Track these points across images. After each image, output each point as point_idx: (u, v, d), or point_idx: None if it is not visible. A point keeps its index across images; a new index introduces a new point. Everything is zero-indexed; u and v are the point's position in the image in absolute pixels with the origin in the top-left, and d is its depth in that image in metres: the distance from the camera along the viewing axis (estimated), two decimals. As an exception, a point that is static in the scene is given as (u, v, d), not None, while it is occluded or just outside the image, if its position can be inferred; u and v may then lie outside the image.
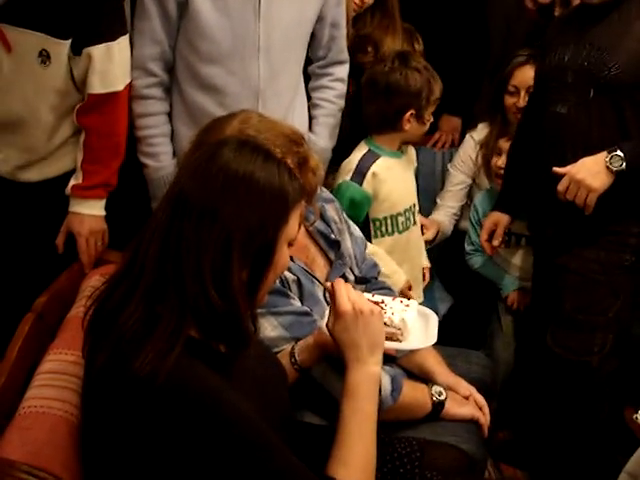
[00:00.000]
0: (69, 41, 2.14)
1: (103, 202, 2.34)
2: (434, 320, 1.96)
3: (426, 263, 3.04)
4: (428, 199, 3.32)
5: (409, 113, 2.71)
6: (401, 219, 2.80)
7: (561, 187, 2.44)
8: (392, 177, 2.77)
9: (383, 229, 2.77)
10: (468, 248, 3.21)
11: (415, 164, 2.98)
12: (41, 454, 1.46)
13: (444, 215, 3.33)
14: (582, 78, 2.44)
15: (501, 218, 2.90)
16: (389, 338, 1.81)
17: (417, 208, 2.91)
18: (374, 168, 2.73)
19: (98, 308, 1.47)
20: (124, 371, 1.33)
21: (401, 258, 2.67)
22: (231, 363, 1.46)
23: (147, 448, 1.33)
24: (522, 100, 3.08)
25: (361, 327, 1.63)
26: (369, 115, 2.79)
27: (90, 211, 2.32)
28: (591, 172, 2.39)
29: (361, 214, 2.72)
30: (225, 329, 1.44)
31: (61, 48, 2.14)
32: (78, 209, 2.31)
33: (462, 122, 3.50)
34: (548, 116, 2.55)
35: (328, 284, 1.74)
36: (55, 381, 1.68)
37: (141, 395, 1.32)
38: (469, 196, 3.34)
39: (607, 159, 2.37)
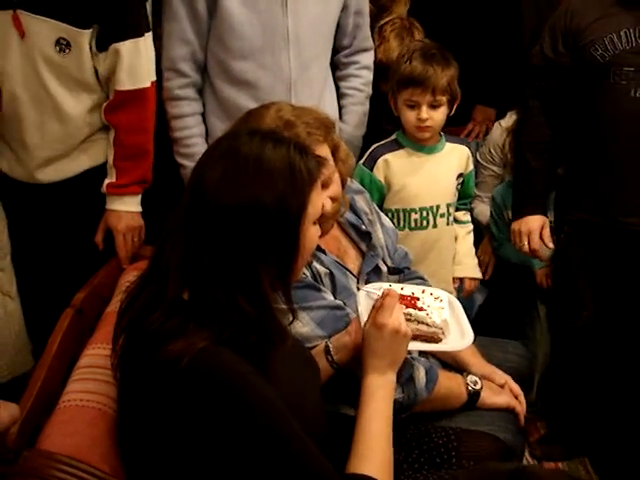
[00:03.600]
0: (90, 31, 2.16)
1: (139, 198, 2.37)
2: (461, 311, 1.95)
3: (467, 273, 2.93)
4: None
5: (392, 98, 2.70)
6: (415, 216, 2.73)
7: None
8: (411, 170, 2.72)
9: (395, 221, 2.69)
10: (495, 244, 3.19)
11: (462, 168, 2.84)
12: (81, 446, 1.49)
13: (482, 204, 3.32)
14: None
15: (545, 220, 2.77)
16: (430, 339, 1.81)
17: (446, 212, 2.78)
18: (388, 156, 2.70)
19: (127, 306, 1.51)
20: (153, 357, 1.37)
21: (412, 257, 2.52)
22: (264, 354, 1.47)
23: (177, 432, 1.36)
24: None
25: (392, 344, 1.68)
26: None
27: (127, 208, 2.35)
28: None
29: (372, 200, 2.63)
30: (260, 330, 1.46)
31: (82, 37, 2.16)
32: (115, 206, 2.34)
33: (497, 113, 3.48)
34: (625, 103, 2.48)
35: (385, 288, 1.77)
36: (94, 375, 1.71)
37: (167, 378, 1.35)
38: None
39: None
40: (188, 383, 1.35)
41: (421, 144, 2.72)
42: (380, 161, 2.71)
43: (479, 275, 2.97)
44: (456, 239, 2.91)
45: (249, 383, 1.39)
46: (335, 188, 1.94)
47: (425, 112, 2.60)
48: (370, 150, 2.75)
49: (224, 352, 1.39)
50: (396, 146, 2.73)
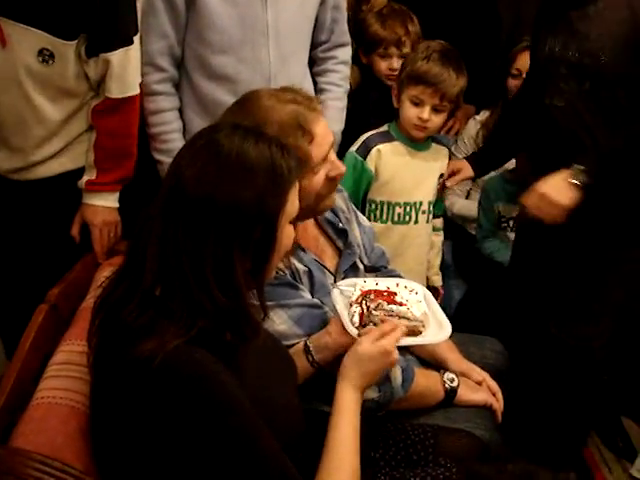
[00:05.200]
0: (75, 42, 2.11)
1: (117, 194, 2.35)
2: (436, 303, 1.96)
3: (436, 283, 2.96)
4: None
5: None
6: (398, 210, 2.73)
7: (528, 201, 2.40)
8: (400, 164, 2.72)
9: (377, 213, 2.71)
10: (479, 235, 3.22)
11: (444, 169, 2.84)
12: (54, 444, 1.47)
13: (455, 196, 3.36)
14: (576, 70, 2.35)
15: (468, 169, 2.86)
16: (411, 332, 1.81)
17: (427, 209, 2.79)
18: (381, 147, 2.70)
19: (103, 302, 1.50)
20: (126, 355, 1.37)
21: (390, 251, 2.52)
22: (237, 351, 1.47)
23: (147, 430, 1.36)
24: None
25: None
26: None
27: (104, 203, 2.33)
28: (556, 188, 2.34)
29: (359, 190, 2.69)
30: (233, 322, 1.46)
31: (67, 49, 2.11)
32: (92, 201, 2.33)
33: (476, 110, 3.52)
34: (544, 109, 2.48)
35: (385, 319, 1.76)
36: (67, 372, 1.69)
37: (139, 376, 1.35)
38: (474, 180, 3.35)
39: (571, 174, 2.30)
40: (159, 381, 1.35)
41: (412, 140, 2.72)
42: (374, 150, 2.70)
43: None
44: (432, 246, 2.92)
45: (220, 383, 1.38)
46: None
47: (427, 113, 2.61)
48: (363, 139, 2.74)
49: (196, 351, 1.39)
50: (389, 138, 2.73)
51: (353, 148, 2.73)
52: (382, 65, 3.06)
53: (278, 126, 1.79)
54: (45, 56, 2.10)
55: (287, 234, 1.52)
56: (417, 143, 2.73)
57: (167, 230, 1.42)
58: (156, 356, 1.33)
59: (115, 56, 2.16)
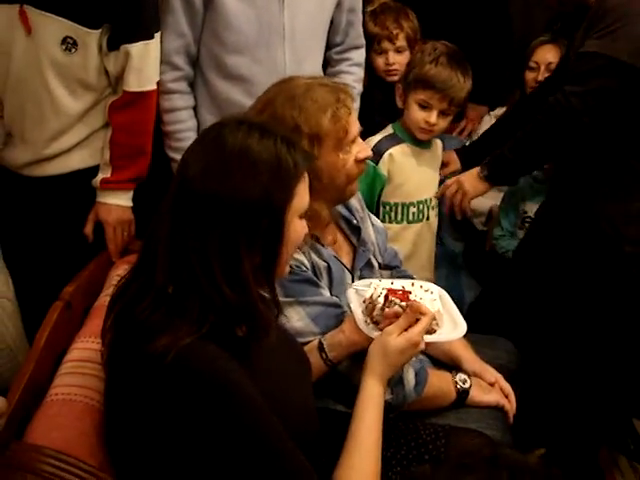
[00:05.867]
0: (99, 31, 2.13)
1: (131, 193, 2.36)
2: (452, 302, 1.94)
3: None
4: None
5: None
6: (413, 210, 2.74)
7: (448, 183, 2.64)
8: (411, 165, 2.72)
9: (392, 215, 2.71)
10: (497, 233, 3.21)
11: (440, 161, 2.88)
12: (68, 440, 1.49)
13: None
14: None
15: (455, 162, 2.91)
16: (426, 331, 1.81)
17: (435, 205, 2.81)
18: (392, 150, 2.70)
19: (117, 300, 1.51)
20: (140, 352, 1.37)
21: (407, 250, 2.60)
22: (249, 348, 1.48)
23: (161, 426, 1.37)
24: (541, 75, 3.25)
25: (404, 357, 1.71)
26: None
27: (118, 201, 2.34)
28: (469, 179, 2.58)
29: (374, 194, 2.68)
30: (243, 319, 1.47)
31: (90, 37, 2.12)
32: (106, 199, 2.33)
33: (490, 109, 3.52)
34: None
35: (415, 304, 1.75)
36: (82, 369, 1.71)
37: (152, 372, 1.36)
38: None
39: (479, 168, 2.52)
40: (172, 377, 1.35)
41: (417, 139, 2.72)
42: (386, 155, 2.70)
43: None
44: None
45: (232, 379, 1.39)
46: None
47: (435, 117, 2.62)
48: (373, 144, 2.73)
49: (209, 348, 1.40)
50: (397, 140, 2.73)
51: None
52: (379, 61, 3.09)
53: (320, 99, 1.87)
54: (68, 44, 2.11)
55: (295, 228, 1.52)
56: (424, 142, 2.74)
57: (175, 227, 1.43)
58: (169, 352, 1.34)
59: (135, 48, 2.18)
